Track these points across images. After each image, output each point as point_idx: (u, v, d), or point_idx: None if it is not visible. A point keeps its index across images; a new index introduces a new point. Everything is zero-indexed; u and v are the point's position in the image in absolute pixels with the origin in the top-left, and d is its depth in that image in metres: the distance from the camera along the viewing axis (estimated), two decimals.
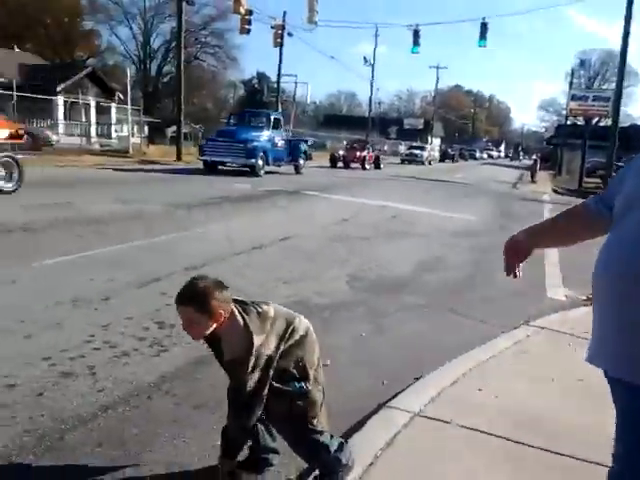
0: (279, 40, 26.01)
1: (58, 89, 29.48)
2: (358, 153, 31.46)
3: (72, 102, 30.18)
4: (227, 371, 2.27)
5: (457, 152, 59.74)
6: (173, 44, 51.84)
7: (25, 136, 11.93)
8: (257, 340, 2.12)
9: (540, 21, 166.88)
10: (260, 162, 19.33)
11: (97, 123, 33.19)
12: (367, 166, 30.98)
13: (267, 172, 20.34)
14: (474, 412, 3.08)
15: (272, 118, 21.51)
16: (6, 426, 2.69)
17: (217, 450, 2.68)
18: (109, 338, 3.83)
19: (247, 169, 19.41)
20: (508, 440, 2.78)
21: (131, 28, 54.06)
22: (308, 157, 24.36)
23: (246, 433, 2.34)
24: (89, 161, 20.32)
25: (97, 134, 31.82)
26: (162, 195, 12.07)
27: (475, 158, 68.39)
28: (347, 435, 2.86)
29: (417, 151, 44.88)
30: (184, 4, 21.89)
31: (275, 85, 37.00)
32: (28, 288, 4.92)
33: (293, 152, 22.45)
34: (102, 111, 34.24)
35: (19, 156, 11.08)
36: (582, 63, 54.15)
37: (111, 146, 28.36)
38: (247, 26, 22.51)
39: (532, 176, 29.93)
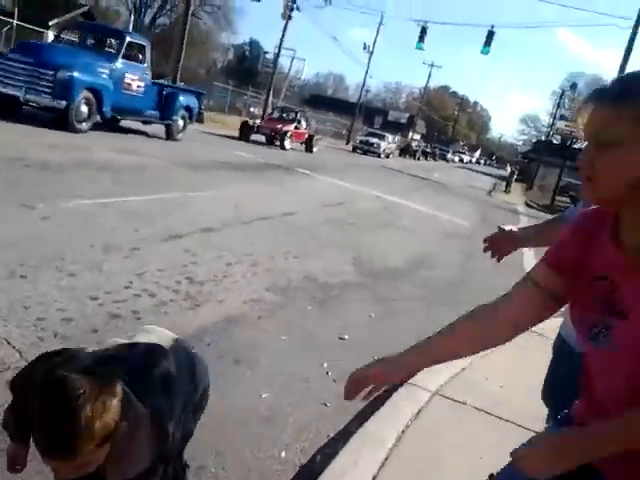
0: (288, 12, 25.77)
1: (51, 23, 28.60)
2: (280, 125, 21.95)
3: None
4: None
5: (421, 149, 51.22)
6: None
7: None
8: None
9: (533, 37, 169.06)
10: (83, 108, 11.52)
11: None
12: (288, 145, 21.57)
13: (105, 127, 12.90)
14: (484, 397, 3.44)
15: (127, 41, 13.19)
16: None
17: (263, 401, 2.97)
18: (146, 287, 4.04)
19: (56, 115, 11.36)
20: (519, 426, 3.14)
21: None
22: (198, 119, 17.99)
23: None
24: None
25: None
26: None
27: (445, 159, 62.53)
28: (377, 404, 3.18)
29: (374, 139, 35.25)
30: None
31: (268, 56, 36.76)
32: (60, 227, 5.05)
33: (166, 105, 14.56)
34: None
35: None
36: (572, 86, 55.35)
37: None
38: None
39: (507, 186, 30.70)
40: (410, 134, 60.90)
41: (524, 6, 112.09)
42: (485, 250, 2.36)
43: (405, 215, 11.22)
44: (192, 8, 23.45)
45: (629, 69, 21.28)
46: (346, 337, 4.13)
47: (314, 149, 23.85)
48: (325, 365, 3.58)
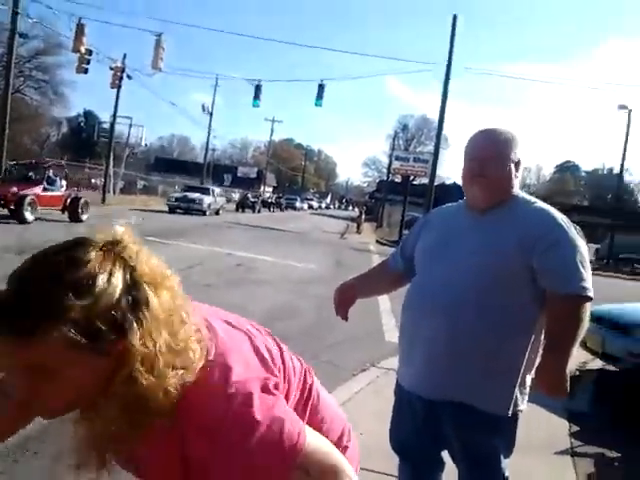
0: (117, 82, 25.26)
1: None
2: (14, 189, 14.63)
3: None
4: None
5: (260, 200, 45.38)
6: None
7: None
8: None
9: (363, 86, 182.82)
10: None
11: None
12: (29, 216, 14.56)
13: None
14: None
15: None
16: None
17: None
18: None
19: None
20: (382, 474, 3.11)
21: None
22: None
23: None
24: None
25: None
26: None
27: (294, 208, 58.73)
28: None
29: (195, 195, 28.04)
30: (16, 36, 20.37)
31: (104, 125, 35.70)
32: None
33: None
34: None
35: None
36: (404, 127, 60.34)
37: None
38: (85, 65, 21.65)
39: (358, 227, 32.10)
40: (262, 188, 61.94)
41: (349, 60, 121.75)
42: (337, 312, 2.37)
43: (259, 269, 11.19)
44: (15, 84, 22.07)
45: (448, 109, 23.63)
46: None
47: (83, 216, 16.55)
48: None
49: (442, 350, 1.94)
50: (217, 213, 30.18)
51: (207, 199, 28.37)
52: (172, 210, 26.94)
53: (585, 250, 1.92)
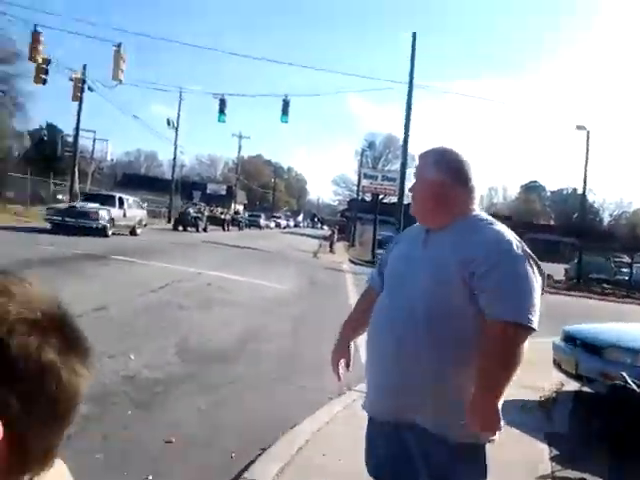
0: (78, 94, 24.64)
1: None
2: None
3: None
4: None
5: (206, 216, 35.34)
6: None
7: None
8: None
9: (327, 102, 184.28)
10: None
11: None
12: None
13: None
14: (322, 476, 3.29)
15: None
16: None
17: None
18: None
19: None
20: None
21: None
22: None
23: None
24: None
25: None
26: None
27: (259, 226, 54.27)
28: None
29: (90, 206, 19.80)
30: None
31: (68, 139, 35.03)
32: None
33: None
34: None
35: None
36: (370, 145, 61.03)
37: None
38: (43, 75, 20.98)
39: (331, 246, 31.99)
40: (232, 205, 61.47)
41: (313, 76, 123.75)
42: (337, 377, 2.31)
43: (230, 289, 11.00)
44: None
45: (414, 127, 23.89)
46: (173, 440, 3.76)
47: None
48: (150, 478, 3.20)
49: (388, 370, 1.89)
50: (133, 232, 22.05)
51: (107, 213, 19.61)
52: (55, 227, 18.63)
53: (533, 278, 1.80)
